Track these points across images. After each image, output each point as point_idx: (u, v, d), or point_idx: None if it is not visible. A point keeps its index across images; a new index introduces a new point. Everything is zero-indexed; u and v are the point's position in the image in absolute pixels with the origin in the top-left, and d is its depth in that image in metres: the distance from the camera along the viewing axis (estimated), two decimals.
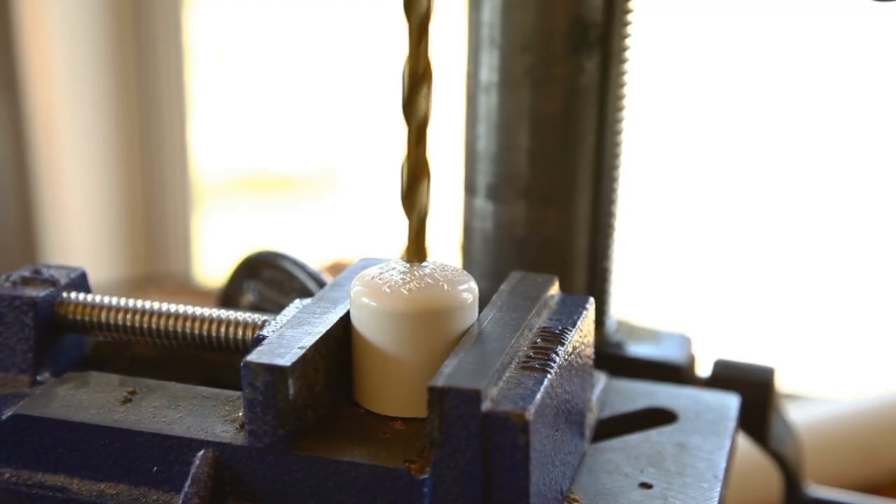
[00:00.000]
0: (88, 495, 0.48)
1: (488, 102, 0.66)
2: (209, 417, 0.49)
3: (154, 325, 0.53)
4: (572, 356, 0.49)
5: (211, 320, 0.53)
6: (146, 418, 0.48)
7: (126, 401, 0.50)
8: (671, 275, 1.81)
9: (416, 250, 0.50)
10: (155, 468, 0.48)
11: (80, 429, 0.48)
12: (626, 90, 0.66)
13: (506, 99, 0.65)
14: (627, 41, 0.65)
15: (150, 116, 1.78)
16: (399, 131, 0.49)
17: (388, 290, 0.48)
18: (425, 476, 0.44)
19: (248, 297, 0.67)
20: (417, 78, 0.48)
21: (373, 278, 0.49)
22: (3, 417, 0.49)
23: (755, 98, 1.85)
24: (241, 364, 0.45)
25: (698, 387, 0.65)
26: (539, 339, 0.49)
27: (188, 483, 0.46)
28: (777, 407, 0.69)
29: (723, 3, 1.86)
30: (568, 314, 0.52)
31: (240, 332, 0.53)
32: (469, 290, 0.49)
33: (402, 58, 0.48)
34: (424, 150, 0.49)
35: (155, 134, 1.78)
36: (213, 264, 1.87)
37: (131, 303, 0.54)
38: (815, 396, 1.36)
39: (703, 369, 0.70)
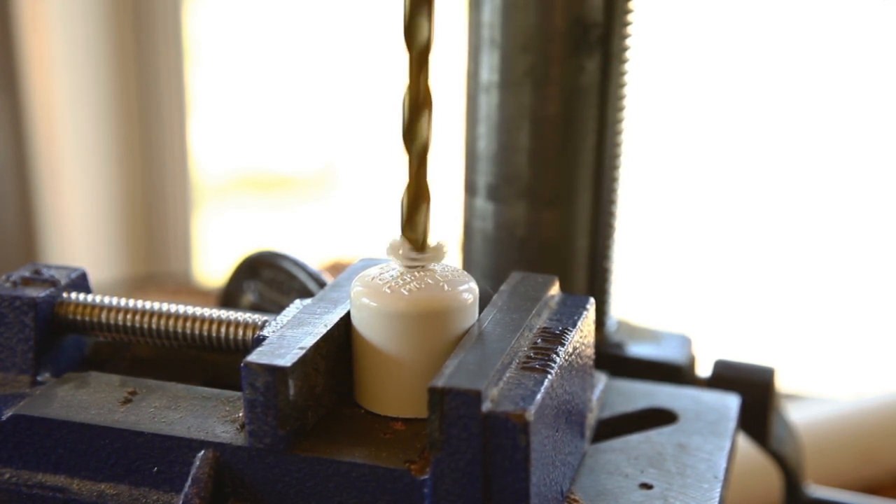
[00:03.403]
0: (89, 496, 0.48)
1: (488, 102, 0.66)
2: (209, 418, 0.49)
3: (154, 326, 0.53)
4: (573, 356, 0.49)
5: (211, 320, 0.53)
6: (146, 419, 0.48)
7: (126, 401, 0.50)
8: (671, 275, 1.81)
9: (416, 188, 0.49)
10: (155, 468, 0.48)
11: (81, 429, 0.48)
12: (626, 90, 0.66)
13: (506, 99, 0.65)
14: (627, 41, 0.65)
15: (150, 116, 1.78)
16: (402, 60, 0.48)
17: (388, 291, 0.48)
18: (426, 477, 0.44)
19: (249, 298, 0.67)
20: (418, 3, 0.47)
21: (373, 279, 0.49)
22: (4, 417, 0.49)
23: (755, 98, 1.85)
24: (242, 364, 0.45)
25: (698, 387, 0.65)
26: (539, 340, 0.49)
27: (188, 483, 0.46)
28: (777, 407, 0.69)
29: (723, 3, 1.86)
30: (568, 314, 0.52)
31: (240, 333, 0.52)
32: (469, 290, 0.49)
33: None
34: (427, 79, 0.48)
35: (155, 134, 1.78)
36: (213, 264, 1.87)
37: (131, 303, 0.54)
38: (815, 396, 1.36)
39: (704, 369, 0.70)
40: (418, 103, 0.48)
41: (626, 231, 0.71)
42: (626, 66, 0.66)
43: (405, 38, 0.47)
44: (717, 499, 0.51)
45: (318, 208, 2.10)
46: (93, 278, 0.57)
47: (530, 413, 0.43)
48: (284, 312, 0.51)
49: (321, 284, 0.63)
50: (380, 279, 0.49)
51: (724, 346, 1.52)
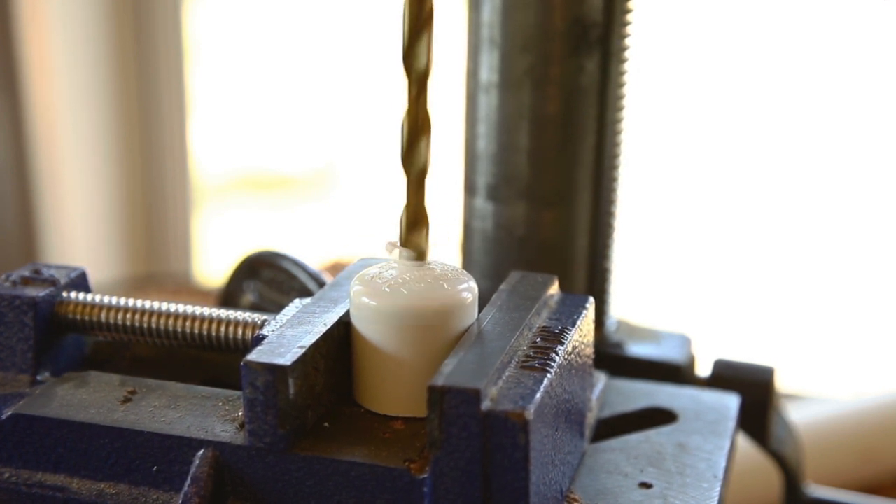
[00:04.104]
0: (88, 495, 0.48)
1: (488, 102, 0.66)
2: (209, 417, 0.49)
3: (154, 325, 0.53)
4: (572, 356, 0.49)
5: (211, 320, 0.53)
6: (146, 418, 0.48)
7: (126, 400, 0.50)
8: (671, 275, 1.81)
9: (415, 209, 0.49)
10: (155, 468, 0.48)
11: (80, 428, 0.48)
12: (626, 90, 0.66)
13: (506, 99, 0.65)
14: (627, 41, 0.65)
15: (150, 116, 1.78)
16: (401, 85, 0.48)
17: (387, 290, 0.48)
18: (425, 476, 0.44)
19: (248, 297, 0.67)
20: (417, 27, 0.47)
21: (372, 278, 0.49)
22: (3, 417, 0.49)
23: (755, 98, 1.85)
24: (242, 363, 0.45)
25: (698, 387, 0.65)
26: (539, 339, 0.49)
27: (188, 482, 0.46)
28: (777, 407, 0.69)
29: (723, 3, 1.86)
30: (568, 314, 0.52)
31: (240, 332, 0.53)
32: (469, 289, 0.49)
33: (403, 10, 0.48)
34: (426, 104, 0.48)
35: (155, 134, 1.79)
36: (213, 264, 1.87)
37: (131, 303, 0.54)
38: (815, 396, 1.36)
39: (703, 369, 0.70)
40: (417, 128, 0.48)
41: (626, 231, 0.71)
42: (626, 66, 0.66)
43: (404, 63, 0.48)
44: (717, 498, 0.51)
45: (318, 208, 2.10)
46: (93, 278, 0.57)
47: (530, 412, 0.43)
48: (284, 312, 0.51)
49: (321, 284, 0.63)
50: (379, 278, 0.49)
51: (724, 346, 1.52)
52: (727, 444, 0.56)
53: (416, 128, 0.48)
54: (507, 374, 0.46)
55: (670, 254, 1.84)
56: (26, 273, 0.55)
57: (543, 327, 0.50)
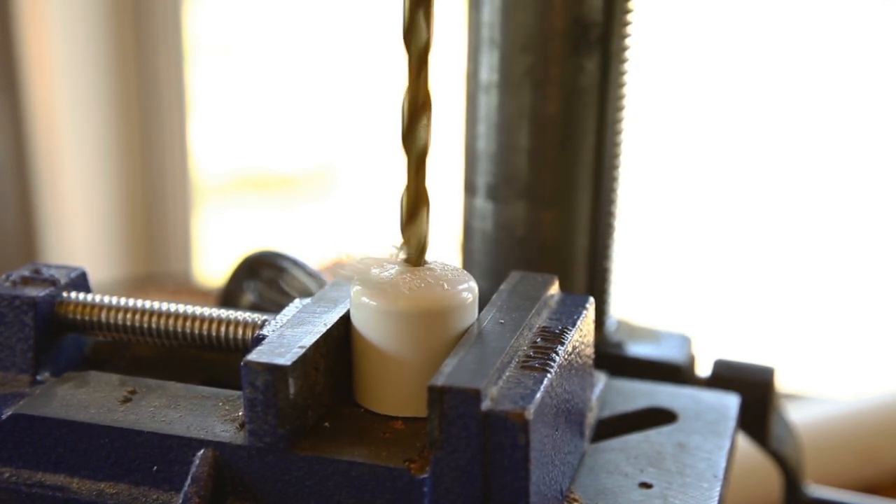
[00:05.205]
0: (88, 495, 0.48)
1: (488, 102, 0.66)
2: (209, 417, 0.49)
3: (154, 325, 0.53)
4: (572, 356, 0.50)
5: (211, 320, 0.53)
6: (146, 418, 0.48)
7: (126, 400, 0.50)
8: (671, 275, 1.81)
9: (415, 191, 0.49)
10: (155, 468, 0.48)
11: (80, 428, 0.48)
12: (626, 90, 0.66)
13: (506, 99, 0.65)
14: (627, 41, 0.65)
15: (150, 116, 1.78)
16: (401, 62, 0.48)
17: (387, 290, 0.48)
18: (425, 476, 0.44)
19: (248, 297, 0.67)
20: (417, 4, 0.47)
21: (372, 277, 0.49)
22: (3, 417, 0.49)
23: (755, 98, 1.85)
24: (242, 363, 0.45)
25: (698, 387, 0.65)
26: (539, 339, 0.49)
27: (188, 482, 0.46)
28: (777, 407, 0.69)
29: (723, 3, 1.86)
30: (568, 314, 0.52)
31: (240, 332, 0.53)
32: (469, 289, 0.49)
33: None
34: (426, 81, 0.47)
35: (155, 134, 1.78)
36: (213, 264, 1.87)
37: (131, 303, 0.54)
38: (815, 396, 1.36)
39: (703, 369, 0.70)
40: (417, 106, 0.48)
41: (626, 231, 0.71)
42: (626, 66, 0.66)
43: (404, 39, 0.47)
44: (717, 498, 0.51)
45: (318, 208, 2.10)
46: (93, 278, 0.57)
47: (530, 412, 0.43)
48: (284, 312, 0.51)
49: (321, 284, 0.63)
50: (379, 278, 0.49)
51: (724, 346, 1.52)
52: (727, 444, 0.56)
53: (417, 106, 0.47)
54: (507, 374, 0.46)
55: (670, 253, 1.84)
56: (26, 273, 0.55)
57: (543, 327, 0.50)
